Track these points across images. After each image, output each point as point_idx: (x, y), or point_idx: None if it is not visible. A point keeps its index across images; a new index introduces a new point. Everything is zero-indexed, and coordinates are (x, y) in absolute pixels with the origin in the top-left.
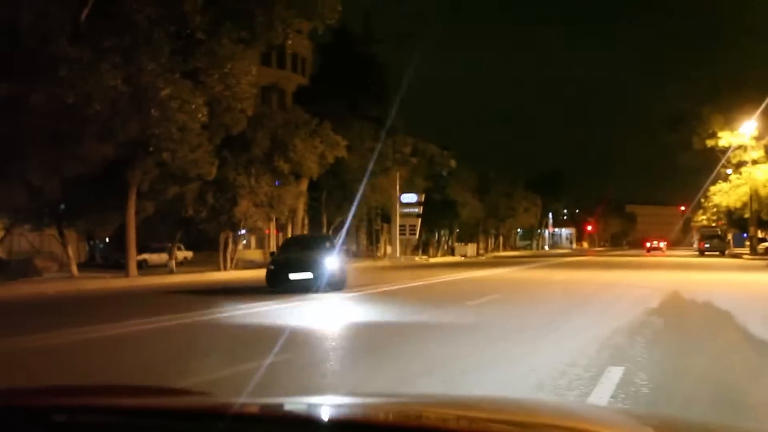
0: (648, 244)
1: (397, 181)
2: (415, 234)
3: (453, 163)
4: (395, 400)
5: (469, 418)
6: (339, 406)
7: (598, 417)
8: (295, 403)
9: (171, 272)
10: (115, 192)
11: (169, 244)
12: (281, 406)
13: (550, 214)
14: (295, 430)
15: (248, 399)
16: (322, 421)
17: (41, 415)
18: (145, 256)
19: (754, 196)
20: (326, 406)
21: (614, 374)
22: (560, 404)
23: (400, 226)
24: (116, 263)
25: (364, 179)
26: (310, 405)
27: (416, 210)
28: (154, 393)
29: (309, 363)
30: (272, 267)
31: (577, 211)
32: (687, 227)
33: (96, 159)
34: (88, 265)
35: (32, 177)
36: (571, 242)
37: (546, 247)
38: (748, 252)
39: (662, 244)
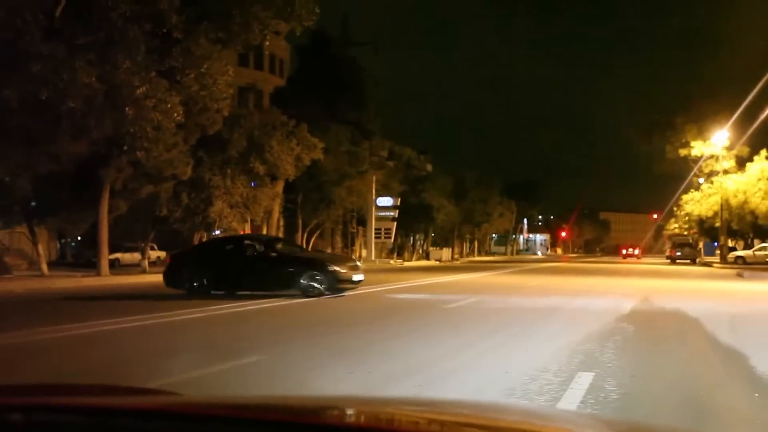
0: (624, 251)
1: (373, 185)
2: (390, 237)
3: (429, 167)
4: (365, 403)
5: (440, 422)
6: (308, 407)
7: (567, 421)
8: (265, 404)
9: (144, 272)
10: (88, 190)
11: (142, 244)
12: (251, 406)
13: (525, 220)
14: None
15: (216, 399)
16: (289, 423)
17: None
18: (118, 255)
19: (725, 205)
20: (294, 408)
21: (584, 380)
22: (530, 408)
23: (376, 229)
24: (88, 262)
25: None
26: (281, 406)
27: (392, 213)
28: (122, 392)
29: (280, 364)
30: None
31: (552, 217)
32: (659, 235)
33: (69, 156)
34: (59, 263)
35: (2, 173)
36: (545, 248)
37: (521, 253)
38: (718, 260)
39: (636, 251)
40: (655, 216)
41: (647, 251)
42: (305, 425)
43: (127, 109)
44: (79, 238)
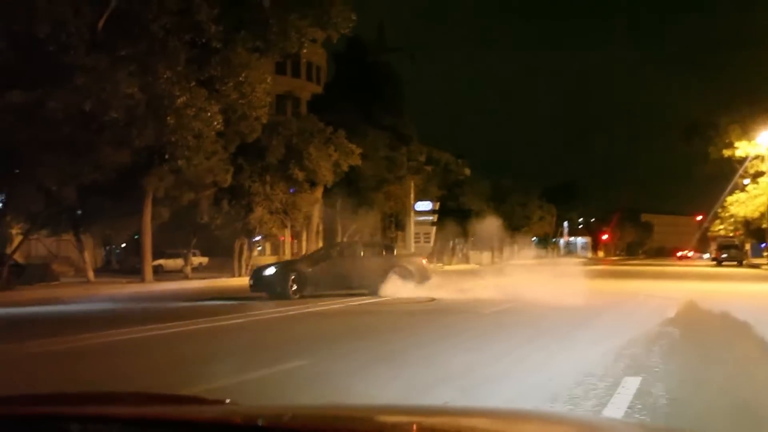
0: (679, 253)
1: (412, 189)
2: (429, 242)
3: (467, 171)
4: (409, 412)
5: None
6: (347, 417)
7: (614, 430)
8: (313, 414)
9: (186, 278)
10: (131, 198)
11: (185, 250)
12: (294, 417)
13: (566, 223)
14: None
15: (257, 410)
16: None
17: (51, 424)
18: (161, 261)
19: None
20: (333, 417)
21: (631, 384)
22: (575, 417)
23: (415, 233)
24: (132, 268)
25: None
26: (321, 416)
27: (430, 218)
28: (166, 401)
29: (326, 370)
30: None
31: (593, 220)
32: (704, 237)
33: (112, 166)
34: (104, 270)
35: (49, 183)
36: (586, 251)
37: (562, 256)
38: (766, 262)
39: (690, 253)
40: (699, 218)
41: (698, 253)
42: None
43: (168, 118)
44: (123, 245)
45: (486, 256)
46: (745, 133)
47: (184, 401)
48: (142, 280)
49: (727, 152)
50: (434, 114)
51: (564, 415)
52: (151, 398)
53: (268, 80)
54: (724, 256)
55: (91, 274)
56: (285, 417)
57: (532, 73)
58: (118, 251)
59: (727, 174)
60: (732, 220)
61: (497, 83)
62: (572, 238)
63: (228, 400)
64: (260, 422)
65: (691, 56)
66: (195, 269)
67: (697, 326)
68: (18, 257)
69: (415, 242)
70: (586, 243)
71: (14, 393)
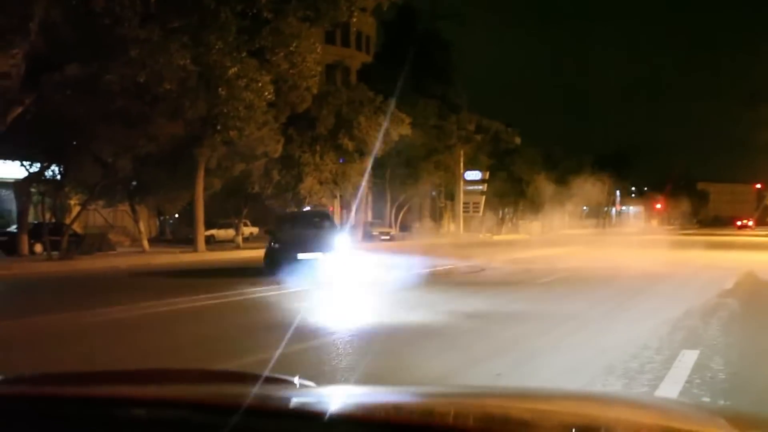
0: (738, 222)
1: (461, 159)
2: (479, 211)
3: (518, 139)
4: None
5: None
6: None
7: (666, 410)
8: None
9: (237, 247)
10: (184, 169)
11: (236, 220)
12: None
13: (618, 192)
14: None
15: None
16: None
17: (113, 408)
18: (213, 231)
19: None
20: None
21: (688, 358)
22: (627, 397)
23: (464, 203)
24: (185, 238)
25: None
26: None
27: (480, 187)
28: (231, 379)
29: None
30: (275, 246)
31: (646, 188)
32: (763, 206)
33: (165, 137)
34: (158, 240)
35: (105, 155)
36: (639, 220)
37: (615, 225)
38: None
39: (750, 222)
40: (758, 186)
41: (760, 222)
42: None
43: (219, 89)
44: (176, 215)
45: (536, 225)
46: None
47: (249, 379)
48: (195, 250)
49: None
50: (486, 82)
51: (613, 396)
52: (215, 376)
53: (318, 50)
54: None
55: (146, 244)
56: (381, 407)
57: (590, 41)
58: (171, 221)
59: None
60: None
61: (552, 53)
62: (625, 207)
63: (297, 380)
64: (352, 412)
65: (760, 21)
66: (246, 239)
67: (756, 298)
68: (76, 227)
69: (464, 212)
70: (639, 212)
71: (64, 367)
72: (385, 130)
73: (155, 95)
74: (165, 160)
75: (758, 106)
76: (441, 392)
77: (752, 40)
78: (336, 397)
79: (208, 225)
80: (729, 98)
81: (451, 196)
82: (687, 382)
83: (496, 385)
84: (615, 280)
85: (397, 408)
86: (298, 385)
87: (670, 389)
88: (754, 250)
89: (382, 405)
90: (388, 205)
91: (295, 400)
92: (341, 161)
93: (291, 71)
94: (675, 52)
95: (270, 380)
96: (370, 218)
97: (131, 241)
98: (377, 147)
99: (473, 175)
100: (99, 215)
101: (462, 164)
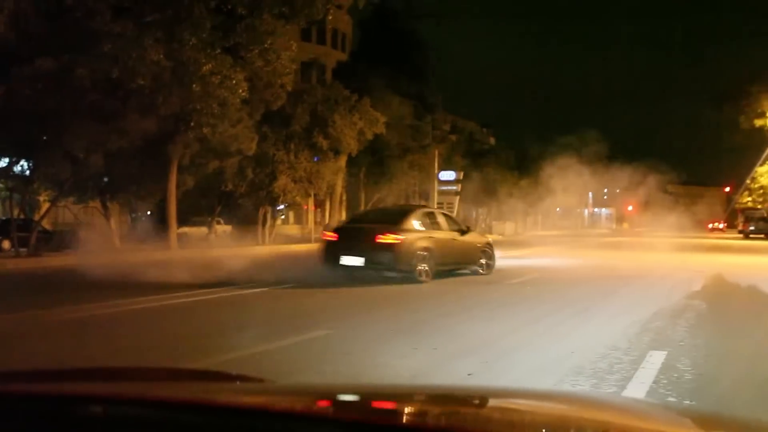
0: (710, 225)
1: (436, 159)
2: (453, 211)
3: (492, 140)
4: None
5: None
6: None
7: (634, 410)
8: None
9: (210, 245)
10: (157, 166)
11: (209, 218)
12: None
13: (591, 194)
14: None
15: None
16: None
17: (68, 406)
18: (185, 229)
19: None
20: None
21: (656, 358)
22: (593, 397)
23: (438, 203)
24: (157, 236)
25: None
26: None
27: (454, 187)
28: (195, 378)
29: (345, 339)
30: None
31: (618, 190)
32: (732, 209)
33: (138, 133)
34: (130, 237)
35: (76, 150)
36: (611, 222)
37: (587, 227)
38: None
39: (721, 225)
40: (727, 189)
41: (730, 225)
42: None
43: (193, 85)
44: (149, 212)
45: (509, 226)
46: None
47: (215, 378)
48: (167, 248)
49: (758, 122)
50: (462, 83)
51: (582, 396)
52: (179, 374)
53: (294, 47)
54: (752, 228)
55: (117, 241)
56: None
57: (562, 42)
58: (143, 218)
59: (757, 144)
60: (761, 191)
61: (527, 53)
62: (597, 209)
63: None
64: (309, 408)
65: (721, 24)
66: (219, 237)
67: (723, 300)
68: (45, 224)
69: None
70: (610, 214)
71: (29, 366)
72: (360, 129)
73: (128, 90)
74: (137, 157)
75: (725, 109)
76: (404, 390)
77: (722, 42)
78: (295, 395)
79: (181, 223)
80: (699, 101)
81: (426, 196)
82: (654, 382)
83: (465, 384)
84: (585, 282)
85: (355, 406)
86: (256, 382)
87: (637, 389)
88: (724, 252)
89: (340, 402)
90: (363, 204)
91: (250, 398)
92: (316, 160)
93: (266, 68)
94: (648, 53)
95: (229, 378)
96: (344, 217)
97: (102, 238)
98: (352, 145)
99: (448, 175)
100: (69, 212)
101: (437, 164)
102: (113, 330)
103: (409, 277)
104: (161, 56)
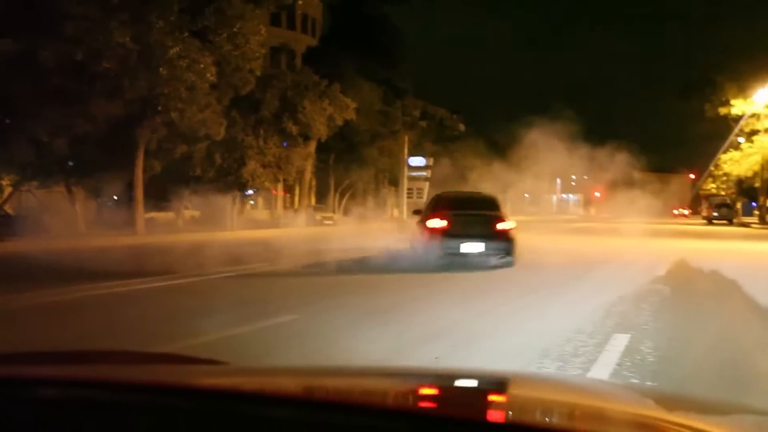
0: (675, 211)
1: (406, 144)
2: (422, 197)
3: (462, 126)
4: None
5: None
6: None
7: (600, 391)
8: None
9: (178, 231)
10: (124, 150)
11: (177, 203)
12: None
13: (558, 180)
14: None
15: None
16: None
17: (23, 388)
18: (153, 214)
19: (765, 165)
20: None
21: (620, 342)
22: (560, 378)
23: (408, 189)
24: (124, 221)
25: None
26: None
27: (424, 173)
28: (155, 360)
29: (315, 324)
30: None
31: (585, 177)
32: (696, 195)
33: (104, 117)
34: (96, 222)
35: (40, 134)
36: (579, 208)
37: (555, 212)
38: (756, 221)
39: (686, 211)
40: (692, 176)
41: (694, 211)
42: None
43: (160, 69)
44: (115, 197)
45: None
46: (742, 91)
47: (175, 360)
48: (134, 233)
49: (723, 110)
50: (435, 69)
51: (547, 377)
52: (140, 358)
53: (263, 32)
54: (716, 214)
55: (82, 226)
56: (293, 385)
57: (531, 31)
58: (110, 203)
59: (722, 133)
60: (725, 178)
61: (505, 41)
62: (565, 195)
63: (221, 361)
64: (262, 389)
65: (687, 12)
66: (187, 222)
67: (686, 284)
68: (8, 208)
69: (408, 197)
70: (578, 200)
71: None
72: (330, 115)
73: (93, 74)
74: (103, 141)
75: (692, 98)
76: (370, 371)
77: (688, 32)
78: (260, 377)
79: (149, 208)
80: (665, 91)
81: (396, 182)
82: (618, 364)
83: (431, 366)
84: (552, 267)
85: (306, 387)
86: (221, 365)
87: (601, 371)
88: (688, 238)
89: (298, 384)
90: (332, 189)
91: (214, 380)
92: (285, 145)
93: (234, 53)
94: (617, 43)
95: (194, 361)
96: (313, 203)
97: (67, 223)
98: (321, 131)
99: (417, 161)
100: (33, 196)
101: (406, 150)
102: (77, 316)
103: (508, 262)
104: (127, 39)
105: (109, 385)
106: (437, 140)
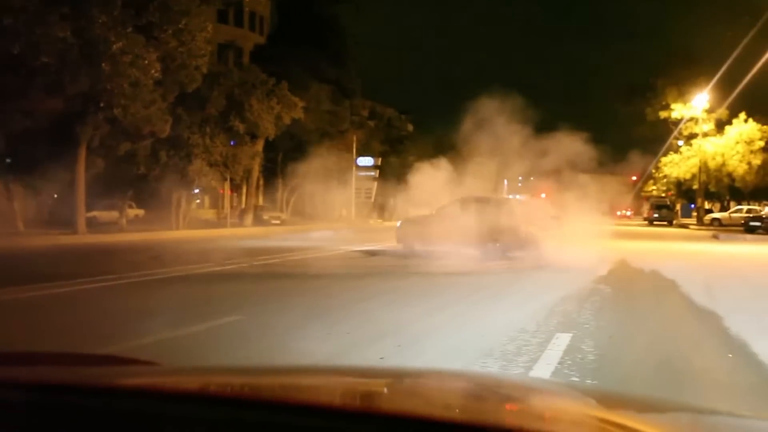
0: (618, 212)
1: (354, 144)
2: (370, 197)
3: (410, 127)
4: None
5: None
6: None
7: (541, 390)
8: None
9: (121, 230)
10: (65, 147)
11: (120, 202)
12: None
13: (505, 181)
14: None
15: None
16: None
17: None
18: (95, 213)
19: (703, 167)
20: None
21: (562, 341)
22: (503, 378)
23: (356, 189)
24: (65, 220)
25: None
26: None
27: (372, 173)
28: (84, 362)
29: (258, 325)
30: None
31: (532, 178)
32: (638, 197)
33: (44, 113)
34: (35, 221)
35: None
36: None
37: None
38: (694, 222)
39: (629, 212)
40: (634, 178)
41: (636, 212)
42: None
43: (103, 65)
44: (55, 195)
45: (427, 211)
46: (681, 95)
47: (104, 362)
48: (75, 232)
49: (663, 114)
50: (384, 70)
51: (487, 375)
52: (68, 358)
53: (209, 28)
54: (656, 215)
55: (20, 225)
56: (213, 383)
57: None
58: (50, 202)
59: (663, 136)
60: (665, 180)
61: (448, 40)
62: (511, 196)
63: (151, 361)
64: (187, 389)
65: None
66: (131, 221)
67: (627, 284)
68: None
69: (356, 198)
70: (524, 200)
71: None
72: (278, 114)
73: (32, 68)
74: (43, 137)
75: (633, 101)
76: (298, 369)
77: (632, 36)
78: (183, 376)
79: (91, 206)
80: (609, 93)
81: (344, 182)
82: (559, 363)
83: (374, 365)
84: (496, 268)
85: (245, 386)
86: (147, 366)
87: (543, 370)
88: (629, 238)
89: (228, 384)
90: (280, 189)
91: (135, 380)
92: (232, 144)
93: (180, 49)
94: (566, 45)
95: (121, 362)
96: (261, 202)
97: (5, 221)
98: (269, 130)
99: (366, 161)
100: None
101: (355, 150)
102: (11, 317)
103: None
104: (68, 33)
105: (32, 387)
106: (386, 140)
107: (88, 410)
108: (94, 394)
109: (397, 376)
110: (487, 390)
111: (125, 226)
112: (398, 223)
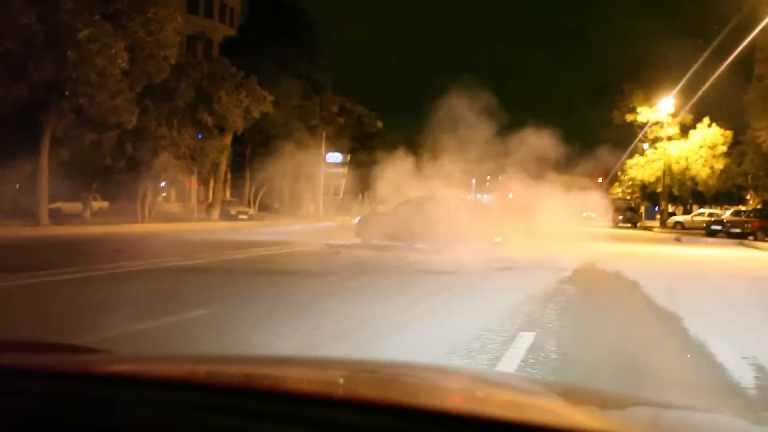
0: (584, 214)
1: (323, 140)
2: (339, 194)
3: (380, 123)
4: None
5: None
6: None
7: (506, 383)
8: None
9: (85, 222)
10: (28, 136)
11: (85, 193)
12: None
13: (474, 180)
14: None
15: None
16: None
17: None
18: (59, 204)
19: (667, 171)
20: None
21: (525, 339)
22: (468, 371)
23: (325, 185)
24: (27, 211)
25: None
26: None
27: (341, 170)
28: (37, 350)
29: (224, 319)
30: None
31: (500, 177)
32: (604, 199)
33: (6, 100)
34: None
35: None
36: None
37: None
38: (658, 225)
39: (594, 214)
40: (600, 180)
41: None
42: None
43: (69, 52)
44: (17, 186)
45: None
46: (648, 99)
47: (58, 350)
48: (37, 224)
49: (629, 117)
50: (355, 66)
51: (454, 368)
52: (22, 346)
53: (178, 19)
54: (621, 218)
55: None
56: (158, 368)
57: (446, 37)
58: (11, 192)
59: (629, 138)
60: (630, 183)
61: (421, 38)
62: (479, 195)
63: (104, 349)
64: (126, 372)
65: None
66: (95, 214)
67: (591, 285)
68: None
69: (324, 194)
70: (492, 200)
71: None
72: (246, 107)
73: None
74: (6, 125)
75: (600, 105)
76: (260, 359)
77: (599, 40)
78: (131, 364)
79: (54, 198)
80: (577, 96)
81: (312, 178)
82: (522, 361)
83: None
84: (463, 267)
85: (196, 372)
86: (101, 354)
87: (506, 367)
88: (594, 240)
89: (183, 369)
90: (248, 183)
91: (91, 367)
92: (200, 137)
93: (148, 39)
94: (531, 44)
95: (73, 349)
96: (228, 196)
97: None
98: (237, 123)
99: (335, 157)
100: None
101: (324, 146)
102: None
103: None
104: (32, 19)
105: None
106: (355, 137)
107: (36, 394)
108: (41, 377)
109: (356, 366)
110: (450, 381)
111: (89, 219)
112: (356, 220)
